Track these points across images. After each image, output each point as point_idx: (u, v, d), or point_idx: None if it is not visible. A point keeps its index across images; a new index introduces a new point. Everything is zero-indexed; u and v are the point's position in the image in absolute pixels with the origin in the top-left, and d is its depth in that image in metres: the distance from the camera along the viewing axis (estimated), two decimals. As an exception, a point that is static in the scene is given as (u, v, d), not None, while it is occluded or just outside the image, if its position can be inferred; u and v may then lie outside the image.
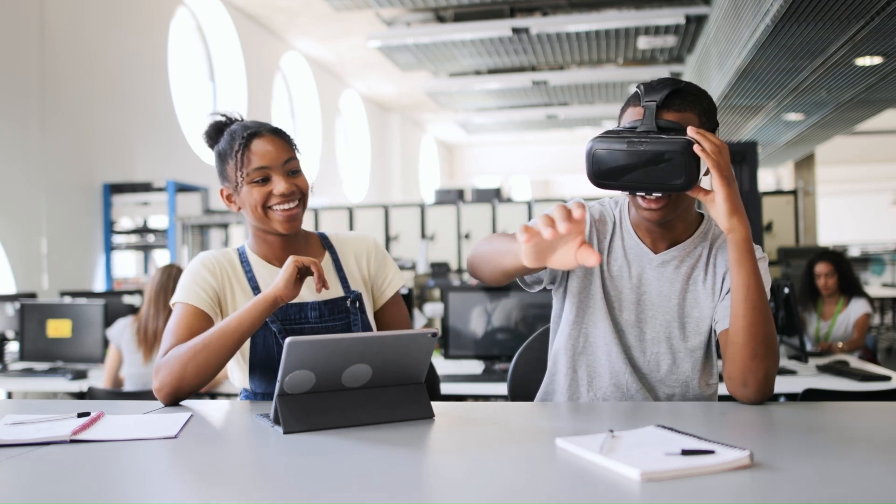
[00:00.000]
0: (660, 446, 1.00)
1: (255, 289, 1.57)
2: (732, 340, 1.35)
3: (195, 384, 1.43)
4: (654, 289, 1.51)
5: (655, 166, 1.31)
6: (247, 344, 1.53)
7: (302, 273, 1.45)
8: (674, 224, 1.49)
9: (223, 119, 1.61)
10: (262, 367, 1.54)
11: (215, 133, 1.60)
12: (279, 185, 1.52)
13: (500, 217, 8.04)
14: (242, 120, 1.61)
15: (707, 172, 1.34)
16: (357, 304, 1.61)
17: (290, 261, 1.43)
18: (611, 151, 1.33)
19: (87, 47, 6.61)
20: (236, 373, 1.60)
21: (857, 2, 3.97)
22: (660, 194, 1.40)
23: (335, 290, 1.61)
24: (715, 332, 1.49)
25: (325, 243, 1.68)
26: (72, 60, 6.40)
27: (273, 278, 1.57)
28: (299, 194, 1.55)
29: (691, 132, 1.31)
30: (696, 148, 1.29)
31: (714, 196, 1.33)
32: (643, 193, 1.41)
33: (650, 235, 1.51)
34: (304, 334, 1.48)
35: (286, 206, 1.53)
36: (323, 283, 1.44)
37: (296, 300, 1.55)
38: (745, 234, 1.34)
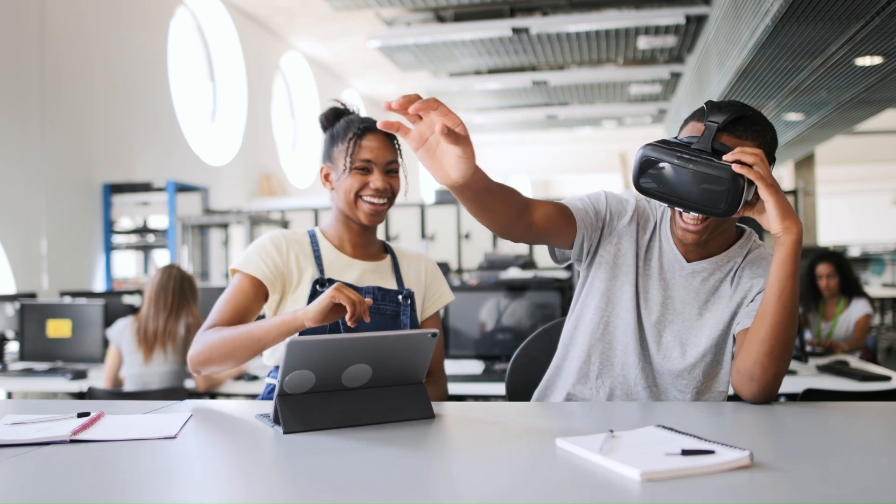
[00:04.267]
0: (660, 446, 1.00)
1: (321, 269, 1.66)
2: (753, 335, 1.35)
3: (217, 369, 1.54)
4: (678, 295, 1.52)
5: (699, 188, 1.31)
6: None
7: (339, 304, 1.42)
8: (708, 240, 1.48)
9: (342, 107, 1.75)
10: None
11: (334, 117, 1.74)
12: (376, 180, 1.65)
13: (500, 217, 8.03)
14: (359, 113, 1.75)
15: (754, 194, 1.33)
16: (409, 301, 1.70)
17: (332, 291, 1.40)
18: (660, 162, 1.33)
19: (87, 47, 6.61)
20: (278, 348, 1.65)
21: (857, 2, 3.96)
22: (698, 217, 1.40)
23: (391, 285, 1.72)
24: (733, 333, 1.49)
25: (386, 247, 1.81)
26: (72, 60, 6.40)
27: (339, 264, 1.69)
28: (390, 193, 1.69)
29: (729, 156, 1.29)
30: (735, 167, 1.27)
31: (762, 207, 1.33)
32: (681, 210, 1.40)
33: (684, 245, 1.51)
34: None
35: (376, 201, 1.66)
36: (355, 320, 1.40)
37: (353, 283, 1.65)
38: (797, 236, 1.32)
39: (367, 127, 1.68)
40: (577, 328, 1.59)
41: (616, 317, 1.53)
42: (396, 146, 1.71)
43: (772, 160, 1.42)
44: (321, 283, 1.63)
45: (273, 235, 1.68)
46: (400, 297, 1.70)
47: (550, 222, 1.45)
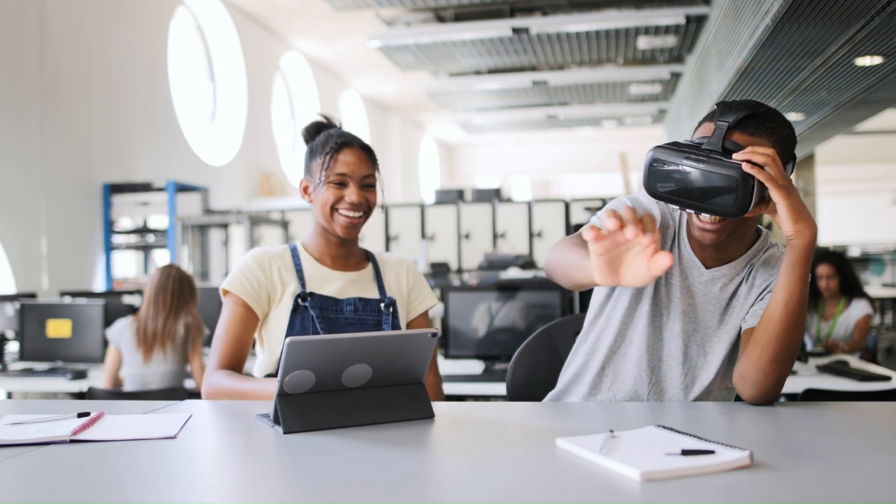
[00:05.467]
0: (660, 446, 1.00)
1: (302, 283, 1.68)
2: (757, 340, 1.34)
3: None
4: (699, 302, 1.50)
5: (710, 188, 1.28)
6: (282, 329, 1.64)
7: None
8: (726, 244, 1.46)
9: (324, 121, 1.78)
10: None
11: (315, 131, 1.77)
12: (352, 194, 1.69)
13: (499, 217, 8.04)
14: (341, 127, 1.77)
15: (766, 197, 1.29)
16: (391, 309, 1.72)
17: None
18: (669, 163, 1.31)
19: (87, 47, 6.61)
20: (264, 359, 1.70)
21: (857, 2, 3.96)
22: (712, 217, 1.37)
23: (372, 294, 1.74)
24: (740, 330, 1.48)
25: (368, 255, 1.84)
26: (72, 60, 6.40)
27: (320, 276, 1.71)
28: (365, 206, 1.72)
29: (739, 155, 1.26)
30: (745, 166, 1.24)
31: (775, 207, 1.29)
32: (692, 211, 1.37)
33: (702, 250, 1.49)
34: (339, 323, 1.65)
35: (351, 214, 1.69)
36: None
37: (333, 296, 1.69)
38: (810, 239, 1.29)
39: (345, 142, 1.70)
40: (599, 340, 1.57)
41: (633, 330, 1.52)
42: (373, 161, 1.74)
43: (790, 158, 1.38)
44: (303, 298, 1.66)
45: (255, 253, 1.71)
46: (382, 305, 1.73)
47: None
